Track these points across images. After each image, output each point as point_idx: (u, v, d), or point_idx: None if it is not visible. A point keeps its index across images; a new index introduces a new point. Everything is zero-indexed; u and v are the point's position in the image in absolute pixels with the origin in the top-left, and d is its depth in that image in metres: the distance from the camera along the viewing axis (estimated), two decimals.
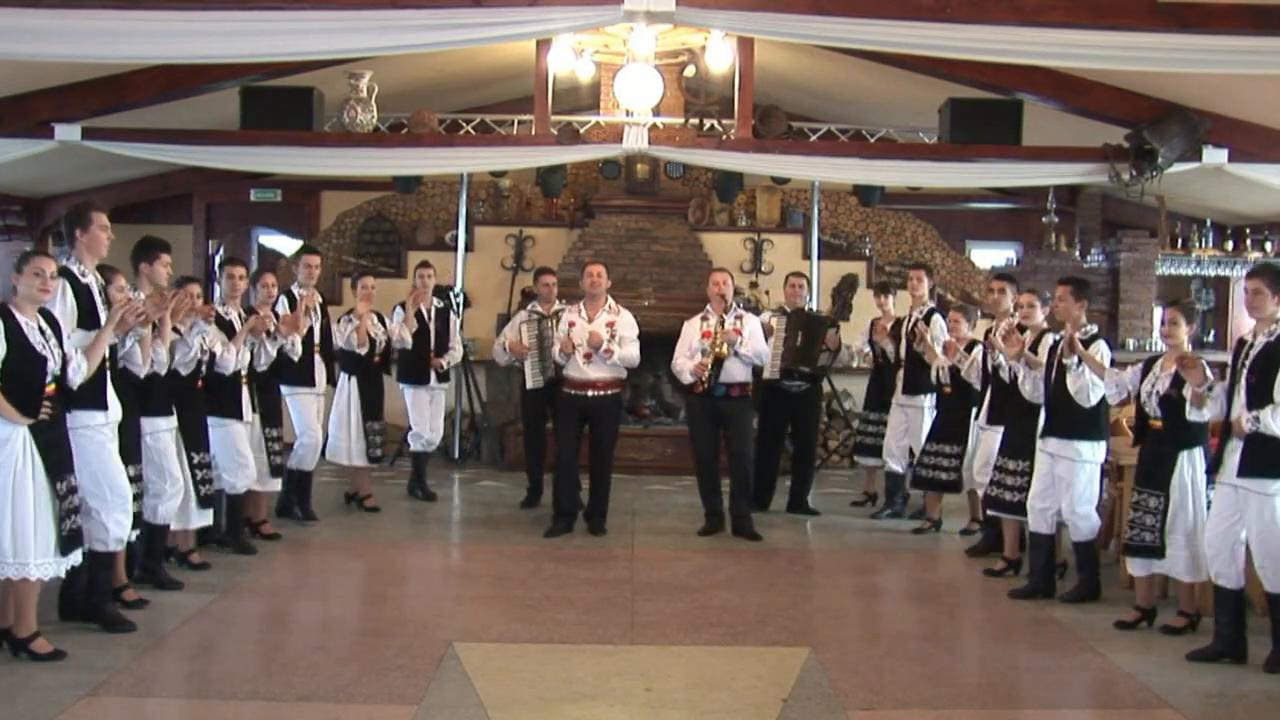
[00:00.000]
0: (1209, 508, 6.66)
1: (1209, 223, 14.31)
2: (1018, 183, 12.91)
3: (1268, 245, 14.15)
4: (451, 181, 14.07)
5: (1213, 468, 6.51)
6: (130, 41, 8.45)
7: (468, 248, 13.53)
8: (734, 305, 9.62)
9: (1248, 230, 14.24)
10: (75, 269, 6.39)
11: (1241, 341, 6.46)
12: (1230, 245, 14.23)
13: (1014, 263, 15.82)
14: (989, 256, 16.43)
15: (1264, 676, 6.20)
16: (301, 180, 14.56)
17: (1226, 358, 12.32)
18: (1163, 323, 7.08)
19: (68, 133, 10.21)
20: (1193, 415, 6.62)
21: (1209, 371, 6.47)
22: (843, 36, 8.88)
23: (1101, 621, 7.15)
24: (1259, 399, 6.12)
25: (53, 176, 13.26)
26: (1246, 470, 6.19)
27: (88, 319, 6.36)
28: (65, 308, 6.24)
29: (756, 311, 10.89)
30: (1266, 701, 5.89)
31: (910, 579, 8.47)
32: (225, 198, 15.74)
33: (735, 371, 9.43)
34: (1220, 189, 12.13)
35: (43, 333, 5.93)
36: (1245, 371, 6.24)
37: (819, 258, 13.40)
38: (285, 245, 16.26)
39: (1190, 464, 6.83)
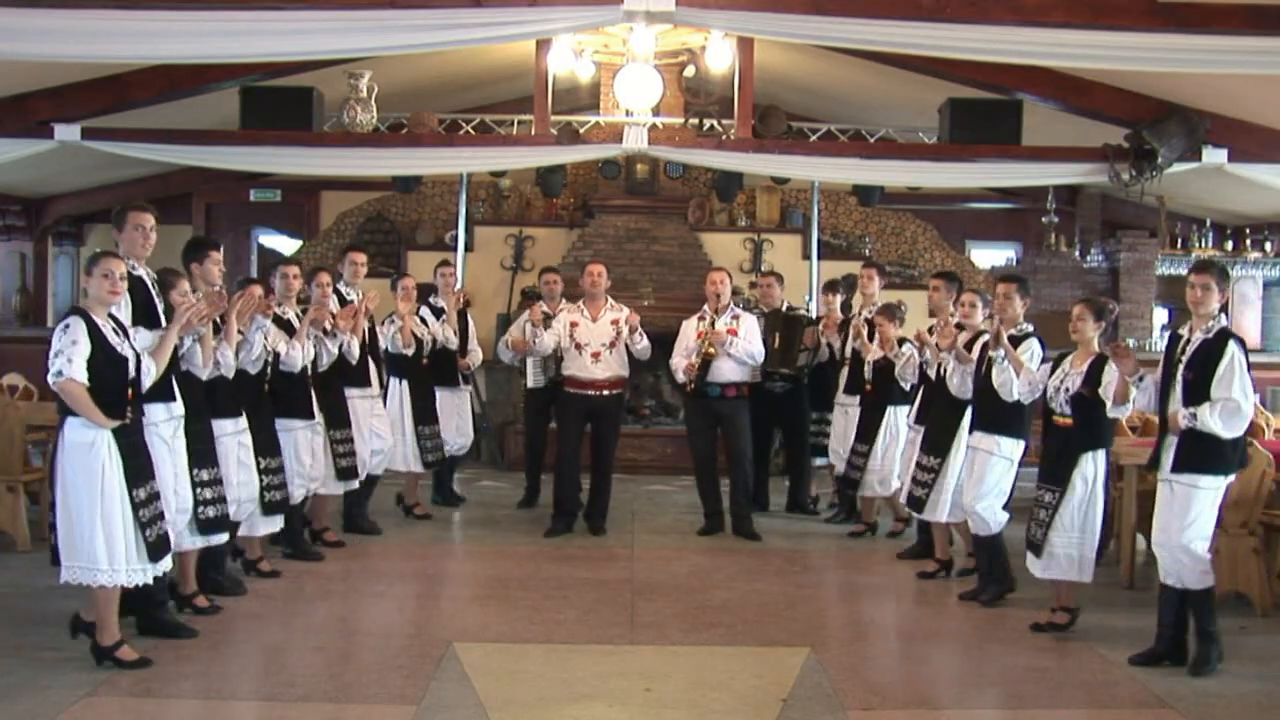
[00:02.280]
0: (1106, 511, 6.70)
1: (1209, 223, 14.32)
2: (1017, 183, 12.91)
3: (1267, 245, 14.18)
4: (451, 181, 14.08)
5: (1151, 465, 6.50)
6: (130, 41, 8.45)
7: (467, 248, 13.54)
8: (731, 305, 9.60)
9: (1247, 230, 14.26)
10: (126, 264, 6.20)
11: (1176, 337, 6.44)
12: (1230, 245, 14.26)
13: (1014, 262, 15.84)
14: (989, 256, 16.44)
15: (1262, 676, 6.21)
16: (301, 180, 14.56)
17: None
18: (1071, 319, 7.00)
19: (67, 133, 10.21)
20: (1113, 412, 6.61)
21: (1138, 364, 6.46)
22: (842, 36, 8.87)
23: (1100, 622, 7.15)
24: (1196, 395, 6.13)
25: (52, 176, 13.28)
26: (1180, 465, 6.20)
27: (145, 315, 6.28)
28: (123, 307, 6.14)
29: (753, 311, 10.87)
30: (1265, 701, 5.90)
31: (910, 579, 8.46)
32: (225, 198, 15.76)
33: (730, 372, 9.42)
34: (1220, 189, 12.15)
35: (117, 334, 5.90)
36: (1182, 367, 6.23)
37: (819, 258, 13.40)
38: (285, 245, 16.27)
39: (1094, 463, 6.81)
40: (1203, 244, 14.22)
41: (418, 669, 6.05)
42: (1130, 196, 11.13)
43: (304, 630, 6.97)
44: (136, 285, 6.25)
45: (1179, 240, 14.31)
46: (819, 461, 10.61)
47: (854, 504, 9.97)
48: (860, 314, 9.86)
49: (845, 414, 9.87)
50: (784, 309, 10.38)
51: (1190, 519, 6.15)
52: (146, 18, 8.24)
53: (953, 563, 8.31)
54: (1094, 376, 6.68)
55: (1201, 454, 6.15)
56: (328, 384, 8.59)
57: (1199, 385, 6.13)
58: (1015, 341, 7.38)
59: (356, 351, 8.85)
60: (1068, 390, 6.84)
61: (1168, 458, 6.27)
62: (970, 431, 7.71)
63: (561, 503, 9.48)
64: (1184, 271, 14.07)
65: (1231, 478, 6.33)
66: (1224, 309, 6.38)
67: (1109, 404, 6.59)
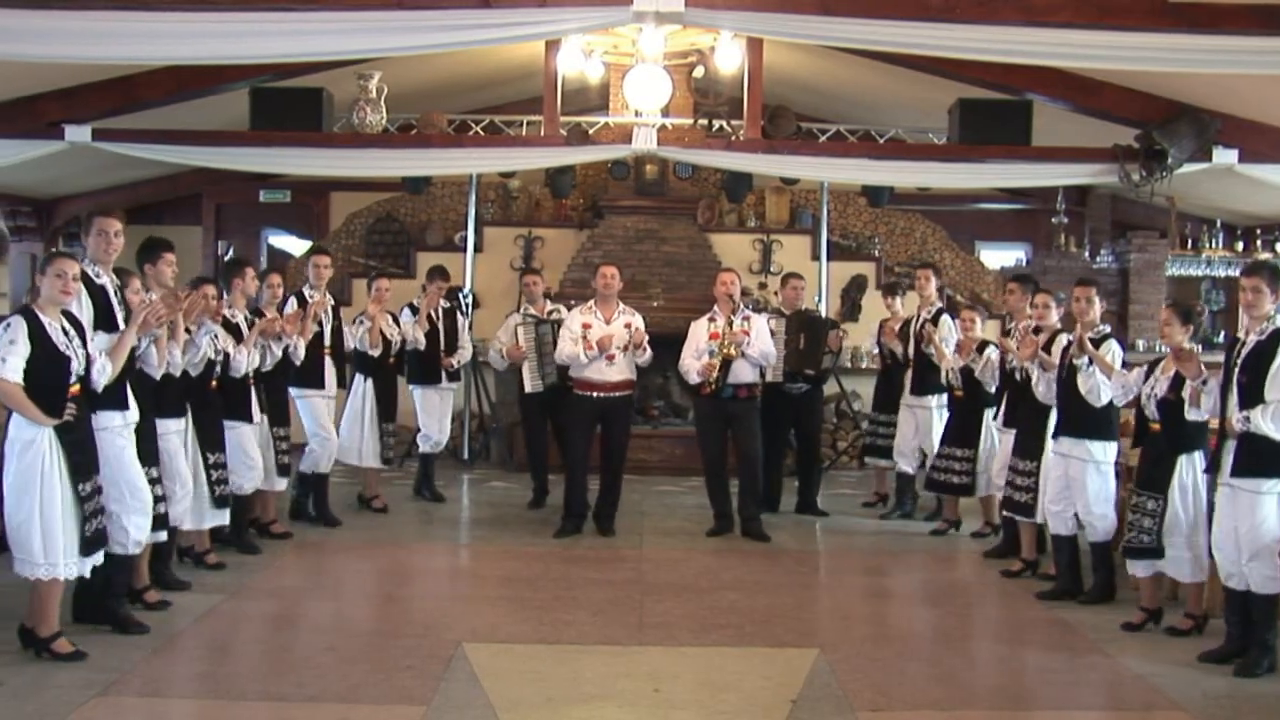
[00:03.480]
0: (1209, 510, 6.65)
1: (1219, 223, 14.29)
2: (1027, 183, 12.87)
3: (1278, 246, 14.12)
4: (461, 182, 14.09)
5: (1211, 469, 6.50)
6: (140, 43, 8.47)
7: (477, 248, 13.55)
8: (742, 306, 9.60)
9: (1258, 231, 14.22)
10: (90, 270, 6.39)
11: (1235, 340, 6.44)
12: (1240, 246, 14.21)
13: (1023, 263, 15.81)
14: (998, 257, 16.40)
15: (1273, 679, 6.19)
16: (311, 181, 14.57)
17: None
18: (1161, 323, 7.04)
19: (78, 134, 10.23)
20: (1191, 415, 6.61)
21: (1203, 367, 6.46)
22: (851, 37, 8.88)
23: (1111, 623, 7.14)
24: (1250, 398, 6.11)
25: (63, 177, 13.30)
26: (1239, 470, 6.19)
27: (105, 320, 6.37)
28: (82, 309, 6.25)
29: (763, 312, 10.86)
30: (1277, 704, 5.88)
31: (919, 580, 8.46)
32: (235, 198, 15.77)
33: (743, 373, 9.43)
34: (1230, 189, 12.12)
35: (66, 333, 5.96)
36: (1237, 371, 6.23)
37: (828, 258, 13.40)
38: (295, 246, 16.29)
39: (1190, 467, 6.81)
40: (1213, 245, 14.19)
41: (427, 669, 6.06)
42: (1140, 197, 11.11)
43: (313, 630, 6.98)
44: (98, 292, 6.37)
45: (1189, 241, 14.27)
46: (882, 462, 10.69)
47: (939, 503, 9.99)
48: (920, 316, 9.91)
49: (914, 415, 9.97)
50: (807, 311, 10.41)
51: (1256, 523, 6.12)
52: (156, 19, 8.26)
53: (1037, 563, 8.30)
54: (1180, 381, 6.66)
55: (1260, 457, 6.13)
56: (272, 383, 8.75)
57: (1254, 388, 6.11)
58: (1095, 344, 7.44)
59: (302, 353, 8.98)
60: (1157, 396, 6.85)
61: (1227, 461, 6.26)
62: (1055, 437, 7.73)
63: (571, 504, 9.48)
64: (1194, 272, 14.19)
65: None
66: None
67: (1186, 408, 6.59)
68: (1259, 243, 14.13)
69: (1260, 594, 6.21)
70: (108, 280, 6.51)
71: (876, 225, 15.01)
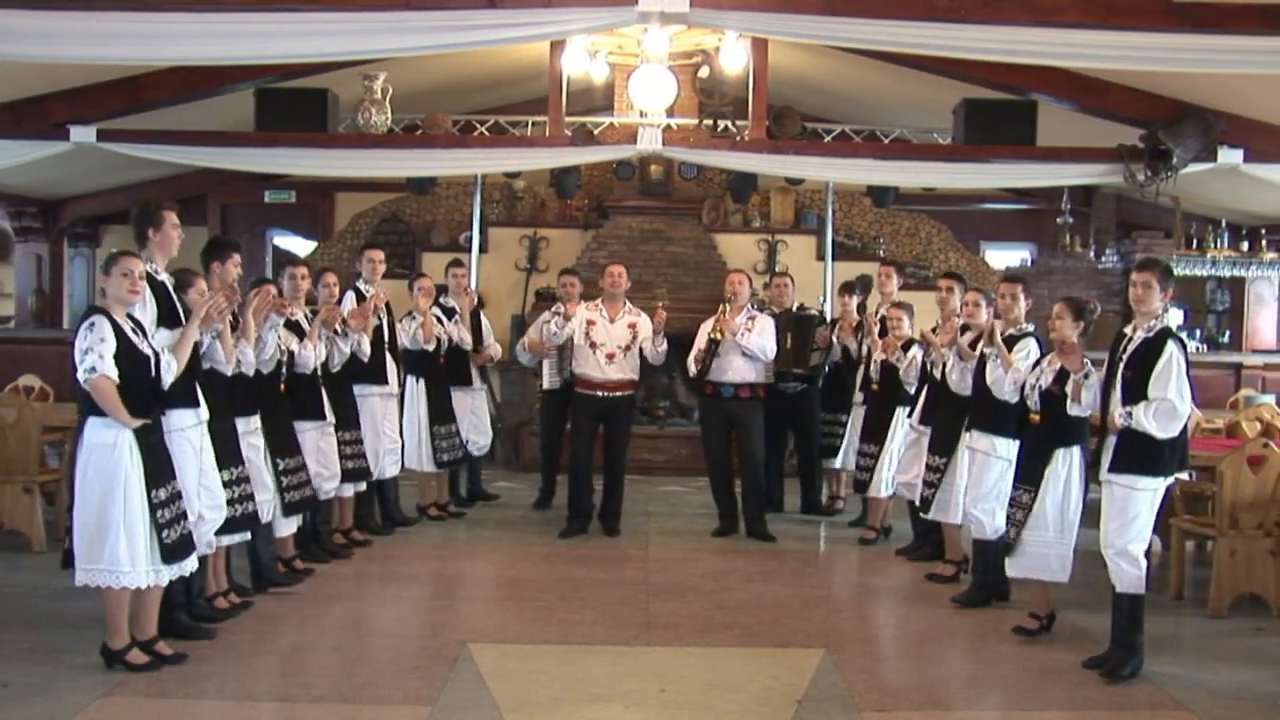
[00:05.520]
0: (1082, 508, 6.64)
1: (1224, 223, 14.25)
2: (1032, 183, 12.87)
3: None
4: (466, 183, 14.10)
5: (1091, 465, 6.47)
6: (145, 43, 8.49)
7: (482, 249, 13.56)
8: (748, 306, 9.58)
9: (1263, 230, 14.20)
10: (149, 268, 6.22)
11: (1120, 335, 6.39)
12: (1246, 246, 14.18)
13: (1028, 263, 15.79)
14: (1003, 257, 16.41)
15: (1278, 677, 6.19)
16: (316, 181, 14.60)
17: (1243, 357, 12.31)
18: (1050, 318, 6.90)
19: (83, 134, 10.26)
20: (1073, 409, 6.52)
21: (1087, 362, 6.43)
22: (856, 37, 8.88)
23: (1099, 625, 7.10)
24: (1134, 395, 6.09)
25: (68, 178, 13.33)
26: (1116, 465, 6.18)
27: (168, 317, 6.27)
28: (145, 307, 6.14)
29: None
30: None
31: (924, 581, 8.44)
32: (240, 199, 15.79)
33: (743, 371, 9.41)
34: (1236, 189, 12.10)
35: (136, 333, 5.88)
36: (1122, 366, 6.21)
37: (833, 258, 13.39)
38: (300, 247, 16.30)
39: (1067, 461, 6.69)
40: (1218, 244, 14.15)
41: (433, 670, 6.06)
42: (1145, 197, 11.10)
43: (320, 631, 6.97)
44: (159, 289, 6.26)
45: (1194, 241, 14.23)
46: (836, 464, 10.50)
47: (864, 507, 9.86)
48: (877, 312, 9.85)
49: (860, 414, 9.89)
50: (795, 309, 10.37)
51: (1127, 520, 6.12)
52: (162, 20, 8.27)
53: (967, 561, 8.20)
54: (1065, 374, 6.59)
55: (1138, 455, 6.11)
56: (340, 385, 8.61)
57: (1137, 385, 6.10)
58: (1012, 340, 7.35)
59: (368, 349, 8.82)
60: (1041, 386, 6.79)
61: (1106, 458, 6.24)
62: (967, 430, 7.69)
63: (576, 504, 9.49)
64: (1200, 272, 14.17)
65: (1170, 480, 6.27)
66: (1167, 308, 6.32)
67: (1069, 402, 6.54)
68: (1264, 242, 14.11)
69: (1125, 593, 6.19)
70: (165, 277, 6.38)
71: (881, 225, 15.02)
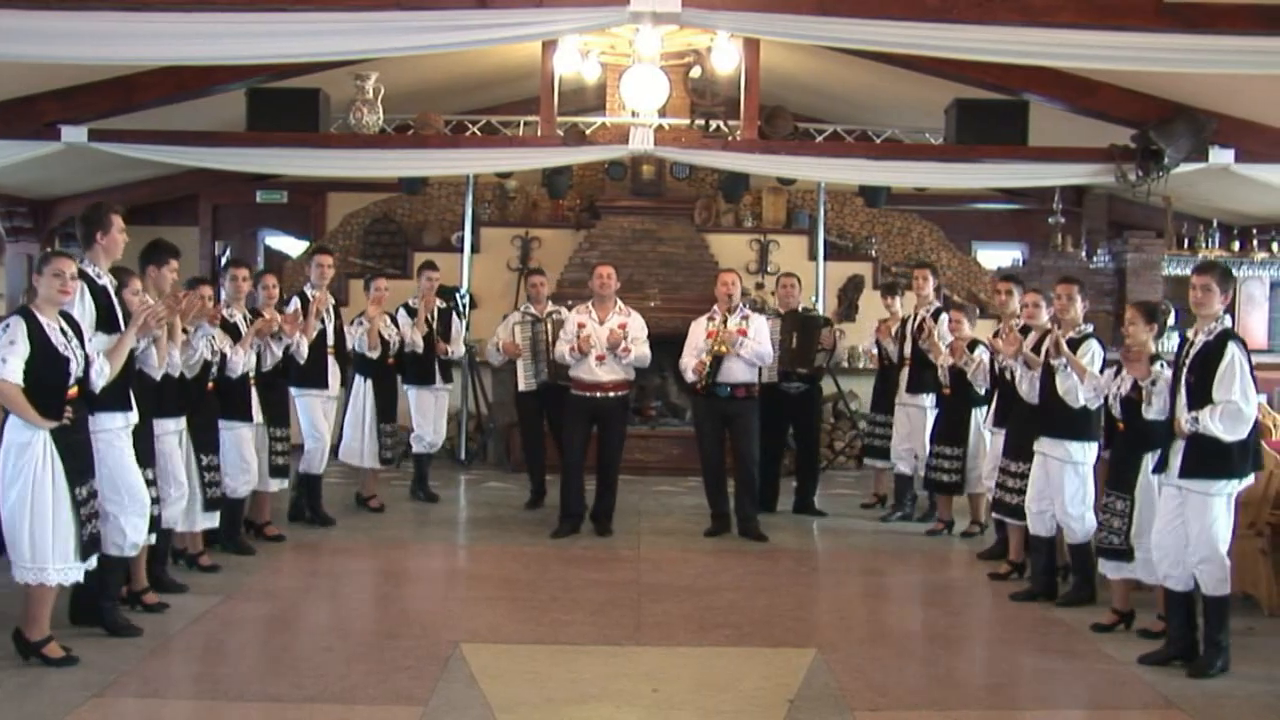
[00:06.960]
0: None
1: (1215, 223, 14.29)
2: (1024, 183, 12.88)
3: (1275, 245, 14.14)
4: (457, 183, 14.11)
5: (1159, 468, 6.47)
6: (137, 43, 8.47)
7: (474, 249, 13.57)
8: (740, 306, 9.60)
9: (1254, 231, 14.22)
10: (91, 270, 6.34)
11: (1185, 340, 6.41)
12: (1237, 246, 14.21)
13: (1020, 263, 15.82)
14: (995, 257, 16.43)
15: (1271, 678, 6.20)
16: (307, 181, 14.59)
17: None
18: (1123, 323, 7.00)
19: (74, 134, 10.21)
20: (1148, 414, 6.55)
21: (1156, 366, 6.46)
22: (848, 37, 8.88)
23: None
24: (1198, 399, 6.09)
25: (59, 178, 13.28)
26: (1188, 471, 6.16)
27: (106, 321, 6.33)
28: (84, 310, 6.21)
29: (762, 312, 10.86)
30: (1274, 702, 5.88)
31: (916, 581, 8.46)
32: (231, 199, 15.76)
33: (739, 372, 9.42)
34: (1227, 189, 12.13)
35: (64, 334, 5.91)
36: (1185, 371, 6.21)
37: (825, 258, 13.40)
38: (291, 246, 16.28)
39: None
40: (1209, 244, 14.18)
41: (424, 670, 6.06)
42: (1137, 197, 11.13)
43: (310, 631, 6.98)
44: (100, 293, 6.34)
45: (1186, 241, 14.26)
46: (879, 463, 10.67)
47: (932, 503, 10.01)
48: (917, 315, 9.91)
49: (908, 415, 9.98)
50: (800, 309, 10.40)
51: (1206, 525, 6.10)
52: (153, 20, 8.26)
53: (1025, 565, 8.21)
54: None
55: (1209, 459, 6.09)
56: (272, 383, 8.75)
57: (1202, 388, 6.08)
58: (1074, 344, 7.41)
59: (305, 352, 9.04)
60: (1120, 394, 6.81)
61: (1175, 462, 6.23)
62: (1037, 437, 7.70)
63: (568, 504, 9.48)
64: (1189, 272, 14.16)
65: (1247, 481, 6.27)
66: (1229, 310, 6.32)
67: (1144, 407, 6.56)
68: (1255, 242, 14.14)
69: (1212, 596, 6.19)
70: (108, 281, 6.46)
71: (873, 225, 15.03)
